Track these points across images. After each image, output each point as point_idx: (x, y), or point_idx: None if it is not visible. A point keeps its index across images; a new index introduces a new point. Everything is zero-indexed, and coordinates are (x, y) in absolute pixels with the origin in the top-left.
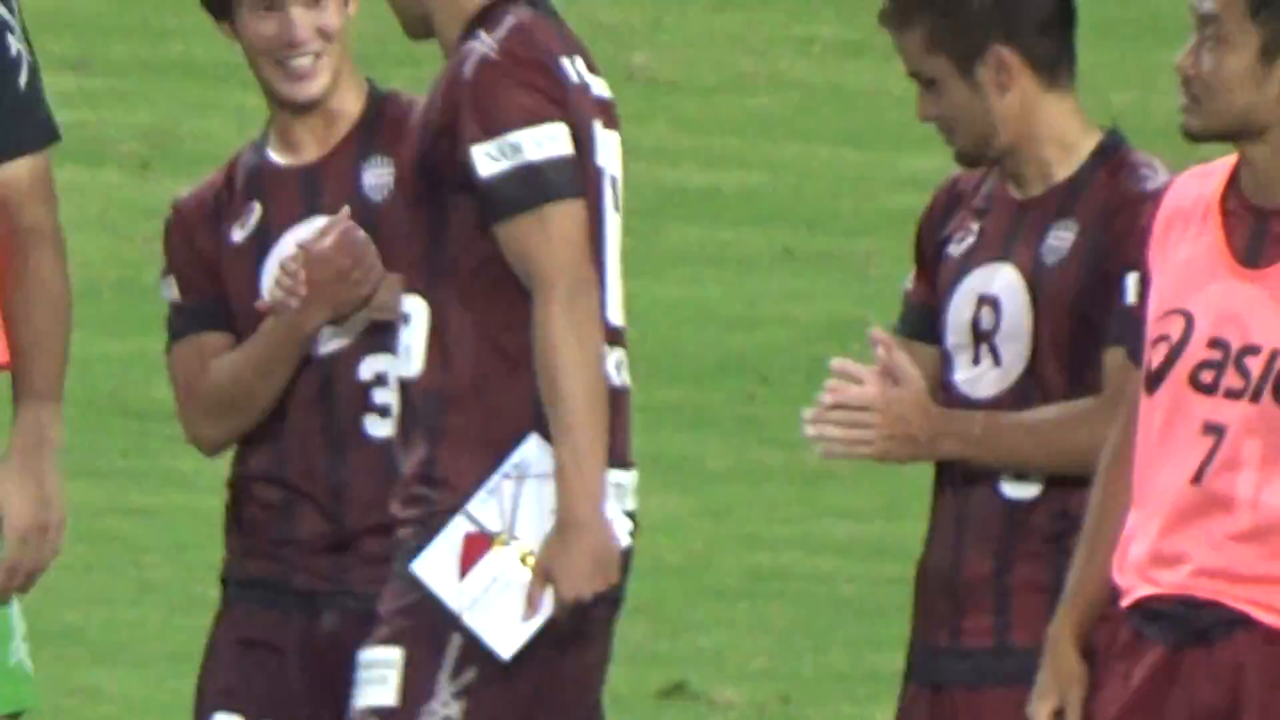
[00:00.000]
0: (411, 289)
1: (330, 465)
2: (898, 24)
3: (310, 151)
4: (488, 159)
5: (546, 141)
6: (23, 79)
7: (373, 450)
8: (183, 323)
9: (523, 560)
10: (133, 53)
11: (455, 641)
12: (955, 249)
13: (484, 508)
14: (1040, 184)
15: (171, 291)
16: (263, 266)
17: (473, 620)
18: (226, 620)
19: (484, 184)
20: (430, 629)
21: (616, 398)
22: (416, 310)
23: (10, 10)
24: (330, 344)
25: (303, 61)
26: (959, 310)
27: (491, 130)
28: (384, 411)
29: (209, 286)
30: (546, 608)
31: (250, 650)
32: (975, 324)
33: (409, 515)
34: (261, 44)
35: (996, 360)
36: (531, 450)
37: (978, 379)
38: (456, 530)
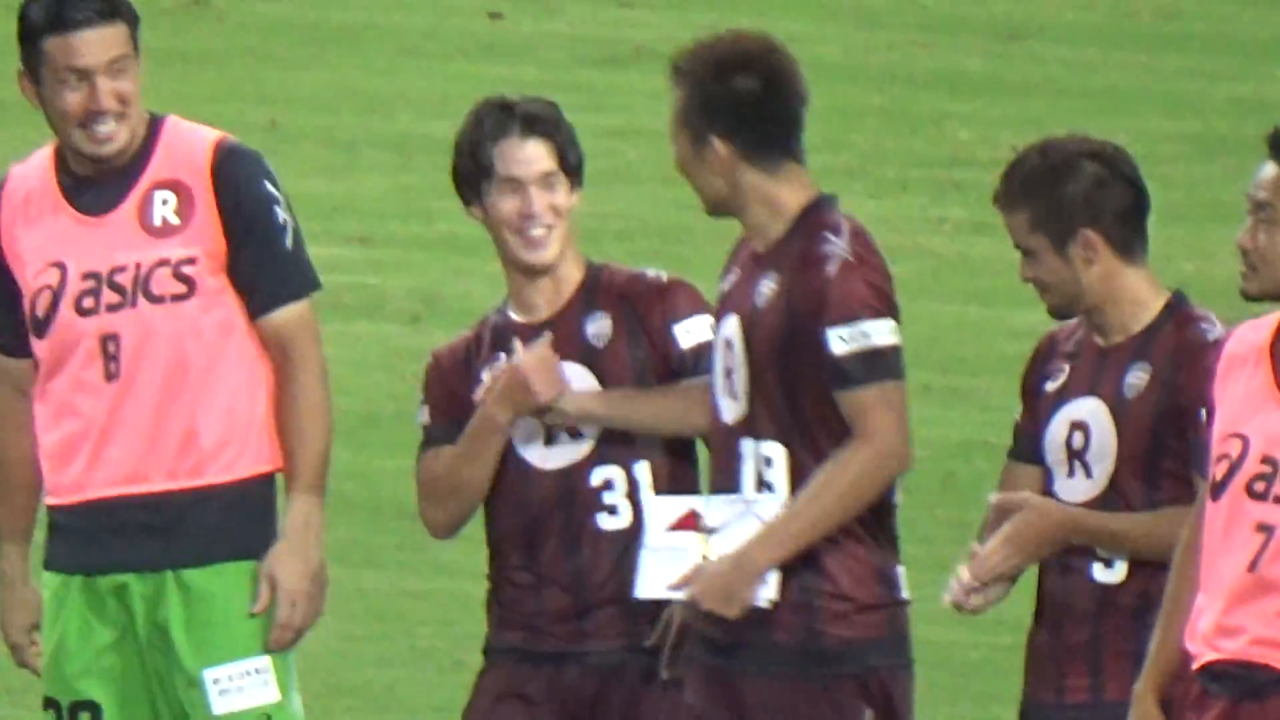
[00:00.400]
0: (767, 435)
1: (569, 553)
2: (1006, 207)
3: (543, 311)
4: (840, 341)
5: (886, 333)
6: (288, 241)
7: (603, 540)
8: (429, 439)
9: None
10: (407, 229)
11: None
12: (1051, 385)
13: (717, 510)
14: (1120, 334)
15: (424, 417)
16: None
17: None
18: (488, 678)
19: (834, 359)
20: None
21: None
22: (776, 452)
23: (276, 187)
24: (564, 459)
25: (538, 232)
26: (1055, 434)
27: (846, 319)
28: (612, 510)
29: (454, 416)
30: (680, 593)
31: (505, 702)
32: (1069, 444)
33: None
34: (505, 218)
35: (1088, 474)
36: (768, 506)
37: (1073, 489)
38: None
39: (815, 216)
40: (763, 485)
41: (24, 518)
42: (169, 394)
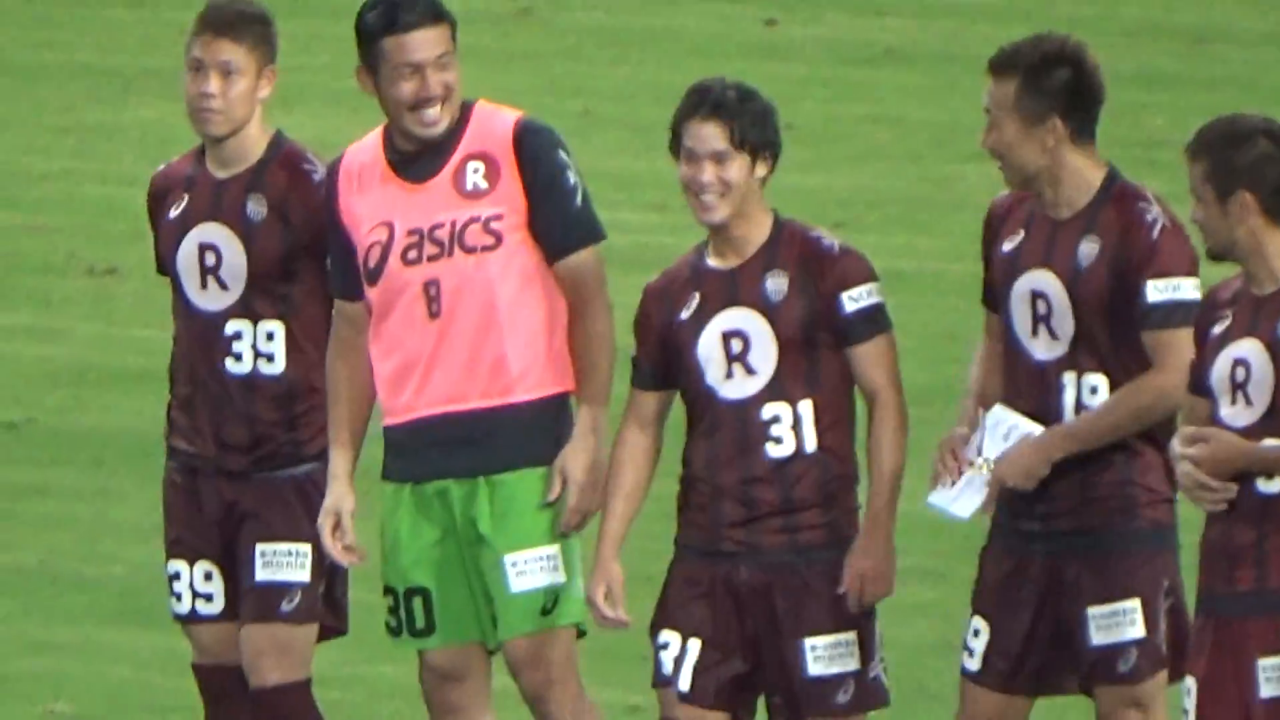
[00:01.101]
0: (1090, 369)
1: (744, 472)
2: (1190, 156)
3: (731, 261)
4: (1156, 291)
5: (1194, 289)
6: (578, 199)
7: (770, 464)
8: (636, 370)
9: (984, 469)
10: None
11: None
12: (1217, 329)
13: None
14: (1271, 284)
15: (635, 349)
16: (697, 340)
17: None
18: (677, 567)
19: (1150, 306)
20: None
21: None
22: (1100, 381)
23: (568, 154)
24: (739, 391)
25: (708, 198)
26: (1221, 370)
27: (1168, 273)
28: (778, 440)
29: (654, 344)
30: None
31: (691, 586)
32: (1233, 378)
33: None
34: (684, 184)
35: (1248, 402)
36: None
37: (1235, 415)
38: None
39: (1119, 186)
40: (1083, 410)
41: (354, 430)
42: (481, 329)
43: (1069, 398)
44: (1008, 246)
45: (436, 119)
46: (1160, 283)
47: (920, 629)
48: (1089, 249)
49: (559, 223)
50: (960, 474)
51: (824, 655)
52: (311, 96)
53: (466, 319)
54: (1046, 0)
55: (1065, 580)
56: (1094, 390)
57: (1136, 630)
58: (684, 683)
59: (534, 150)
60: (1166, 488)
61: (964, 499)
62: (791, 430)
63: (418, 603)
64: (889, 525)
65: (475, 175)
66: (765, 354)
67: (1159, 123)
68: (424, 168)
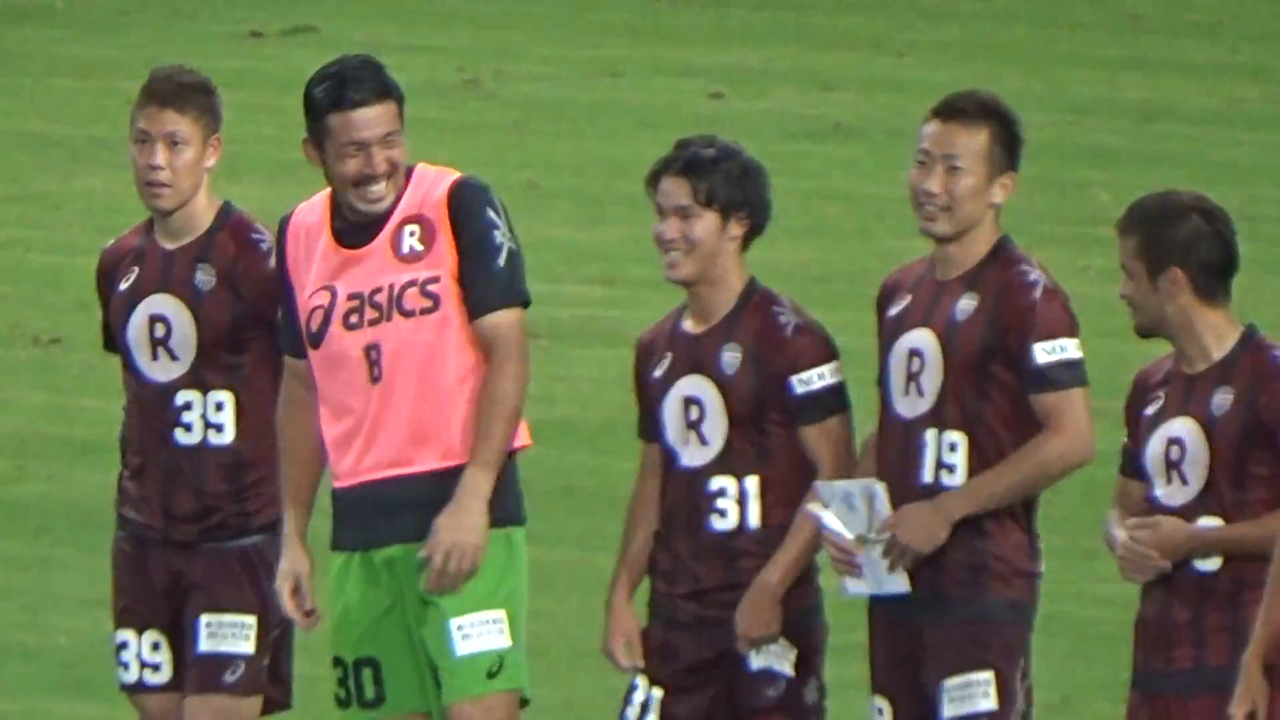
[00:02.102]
0: (953, 426)
1: (692, 543)
2: (1121, 231)
3: (696, 327)
4: (1043, 352)
5: (1076, 349)
6: (502, 259)
7: (714, 537)
8: (638, 423)
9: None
10: (643, 271)
11: None
12: (1150, 410)
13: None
14: (1203, 361)
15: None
16: (664, 400)
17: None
18: (650, 621)
19: (1037, 367)
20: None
21: None
22: (960, 439)
23: (498, 214)
24: (693, 459)
25: (672, 255)
26: (1155, 450)
27: (1051, 335)
28: (723, 513)
29: (640, 395)
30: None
31: (654, 655)
32: (1167, 457)
33: None
34: (655, 237)
35: (1184, 481)
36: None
37: (1171, 495)
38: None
39: (1006, 252)
40: (941, 468)
41: (307, 487)
42: (422, 392)
43: (929, 455)
44: (893, 311)
45: (380, 195)
46: (1047, 344)
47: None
48: (967, 305)
49: (479, 281)
50: (855, 561)
51: None
52: (258, 167)
53: (407, 382)
54: (994, 77)
55: (925, 647)
56: (953, 447)
57: (989, 703)
58: None
59: (463, 207)
60: (1029, 563)
61: (885, 579)
62: (736, 504)
63: (367, 674)
64: (776, 591)
65: (411, 238)
66: (716, 425)
67: (1105, 198)
68: (363, 234)
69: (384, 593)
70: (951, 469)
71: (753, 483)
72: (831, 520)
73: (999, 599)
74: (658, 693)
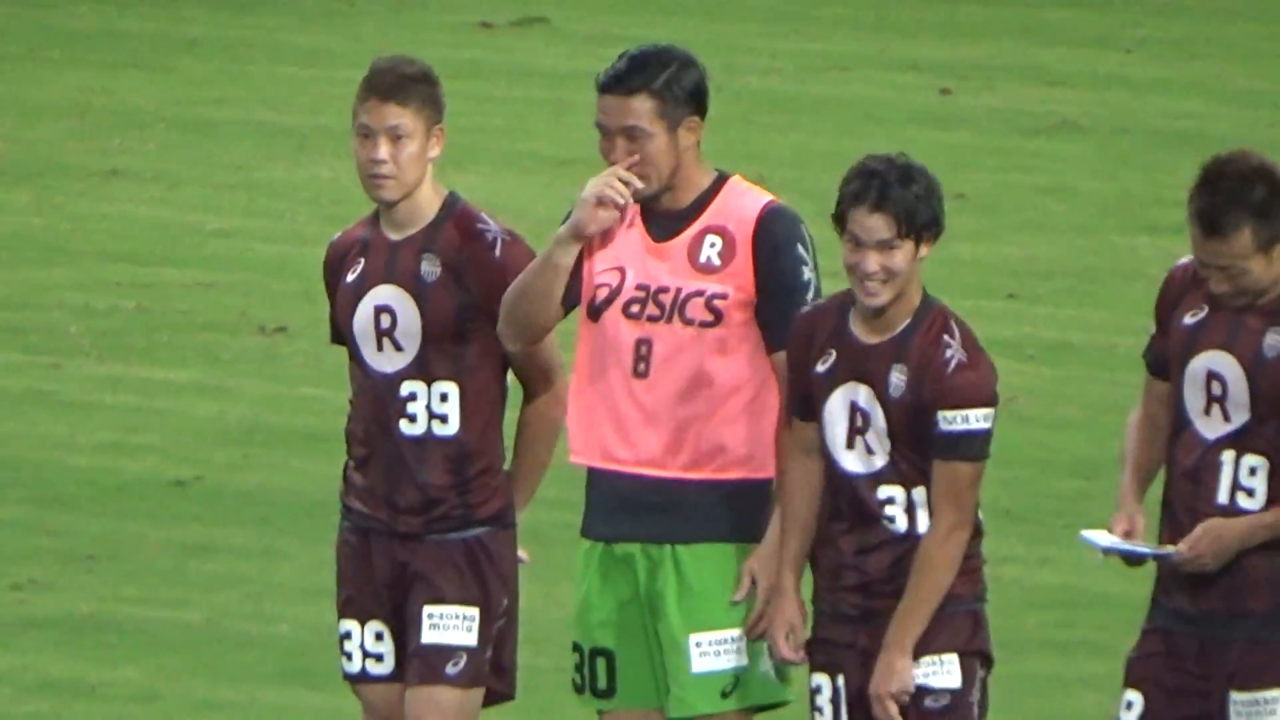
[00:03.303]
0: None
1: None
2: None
3: (873, 337)
4: None
5: None
6: (809, 296)
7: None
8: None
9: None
10: None
11: None
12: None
13: None
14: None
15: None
16: (827, 398)
17: None
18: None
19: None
20: None
21: None
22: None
23: (807, 250)
24: (859, 466)
25: (870, 285)
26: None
27: None
28: (891, 520)
29: (803, 387)
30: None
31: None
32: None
33: None
34: (848, 267)
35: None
36: None
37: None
38: None
39: None
40: (1238, 489)
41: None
42: (685, 399)
43: (1226, 477)
44: (1189, 320)
45: (632, 185)
46: None
47: (1086, 702)
48: (1275, 340)
49: (780, 316)
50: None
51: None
52: (486, 157)
53: (670, 387)
54: (1221, 74)
55: (1215, 662)
56: (1253, 471)
57: None
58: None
59: (776, 238)
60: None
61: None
62: (905, 513)
63: (601, 664)
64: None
65: (711, 250)
66: (880, 437)
67: None
68: (668, 227)
69: (622, 586)
70: (1251, 492)
71: (920, 494)
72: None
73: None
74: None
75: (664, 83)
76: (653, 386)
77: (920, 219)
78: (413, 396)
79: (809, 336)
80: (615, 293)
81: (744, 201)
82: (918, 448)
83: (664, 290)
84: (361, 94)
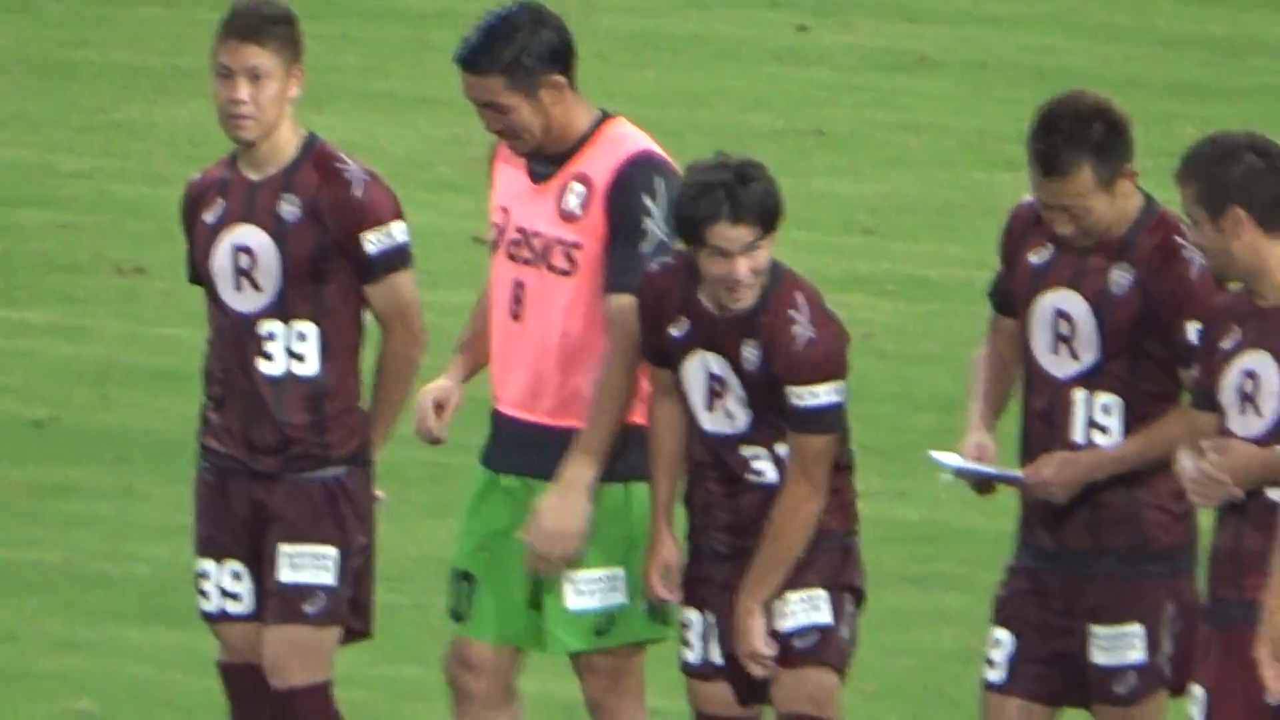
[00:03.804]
0: (1105, 388)
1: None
2: (1179, 182)
3: (724, 311)
4: (1196, 332)
5: None
6: (645, 247)
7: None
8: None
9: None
10: None
11: None
12: (1225, 344)
13: None
14: (1275, 297)
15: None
16: (682, 366)
17: None
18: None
19: (1192, 347)
20: None
21: None
22: (1115, 402)
23: (655, 199)
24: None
25: (740, 291)
26: (1230, 383)
27: (1197, 315)
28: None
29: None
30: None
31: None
32: (1241, 390)
33: None
34: (710, 278)
35: (1259, 413)
36: None
37: (1246, 425)
38: None
39: (1158, 216)
40: (1093, 426)
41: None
42: (546, 346)
43: (1080, 415)
44: (1035, 259)
45: (509, 144)
46: (1194, 325)
47: (944, 636)
48: (1121, 277)
49: (618, 260)
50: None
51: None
52: (341, 97)
53: (536, 332)
54: (1080, 9)
55: (1077, 598)
56: (1106, 409)
57: (1137, 654)
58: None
59: (626, 186)
60: (1179, 505)
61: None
62: (772, 465)
63: (464, 586)
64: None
65: (573, 198)
66: (739, 404)
67: (1190, 132)
68: (545, 171)
69: (501, 515)
70: (1106, 430)
71: (782, 447)
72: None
73: (1156, 549)
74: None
75: (512, 58)
76: (524, 330)
77: (773, 211)
78: (271, 336)
79: (660, 297)
80: (502, 232)
81: (614, 150)
82: (779, 413)
83: (536, 234)
84: (221, 35)
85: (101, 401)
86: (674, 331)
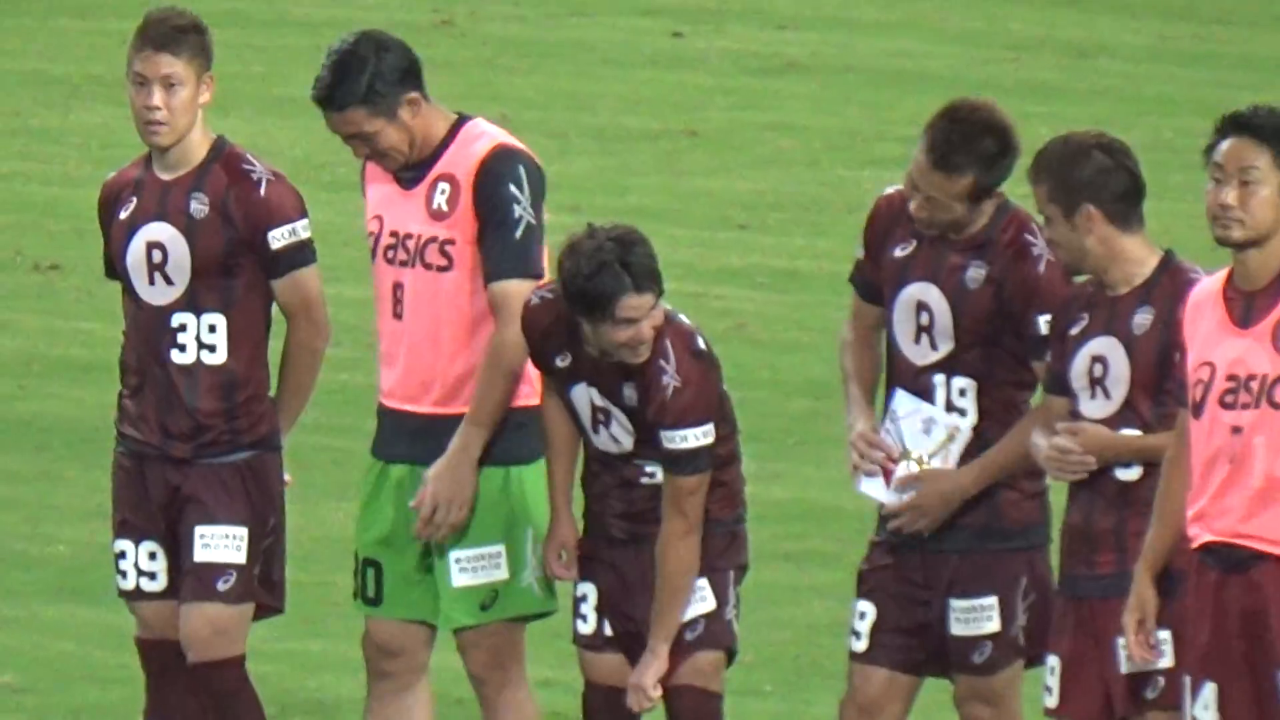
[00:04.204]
0: (961, 372)
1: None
2: (1032, 181)
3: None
4: (1046, 324)
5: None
6: (518, 233)
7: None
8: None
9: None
10: (607, 201)
11: None
12: (1074, 330)
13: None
14: (1125, 286)
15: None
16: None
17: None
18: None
19: (1040, 338)
20: None
21: None
22: (969, 385)
23: (520, 186)
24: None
25: (642, 349)
26: (1079, 367)
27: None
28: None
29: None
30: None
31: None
32: (1091, 374)
33: None
34: (610, 342)
35: (1107, 396)
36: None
37: (1094, 408)
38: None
39: (1010, 214)
40: (951, 408)
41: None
42: (430, 340)
43: (939, 397)
44: (899, 252)
45: (382, 164)
46: (1044, 318)
47: (816, 610)
48: (976, 272)
49: (495, 249)
50: (890, 463)
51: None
52: (246, 102)
53: (419, 328)
54: (938, 15)
55: (935, 573)
56: (962, 392)
57: (992, 625)
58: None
59: (490, 178)
60: (1032, 485)
61: (890, 490)
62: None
63: (371, 573)
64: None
65: (441, 196)
66: (623, 431)
67: (1043, 132)
68: (413, 176)
69: (397, 504)
70: (963, 411)
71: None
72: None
73: (1011, 525)
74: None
75: (367, 87)
76: (406, 328)
77: (659, 270)
78: (182, 327)
79: (543, 334)
80: (377, 239)
81: (474, 148)
82: (660, 441)
83: (410, 236)
84: (136, 44)
85: (20, 391)
86: (559, 362)
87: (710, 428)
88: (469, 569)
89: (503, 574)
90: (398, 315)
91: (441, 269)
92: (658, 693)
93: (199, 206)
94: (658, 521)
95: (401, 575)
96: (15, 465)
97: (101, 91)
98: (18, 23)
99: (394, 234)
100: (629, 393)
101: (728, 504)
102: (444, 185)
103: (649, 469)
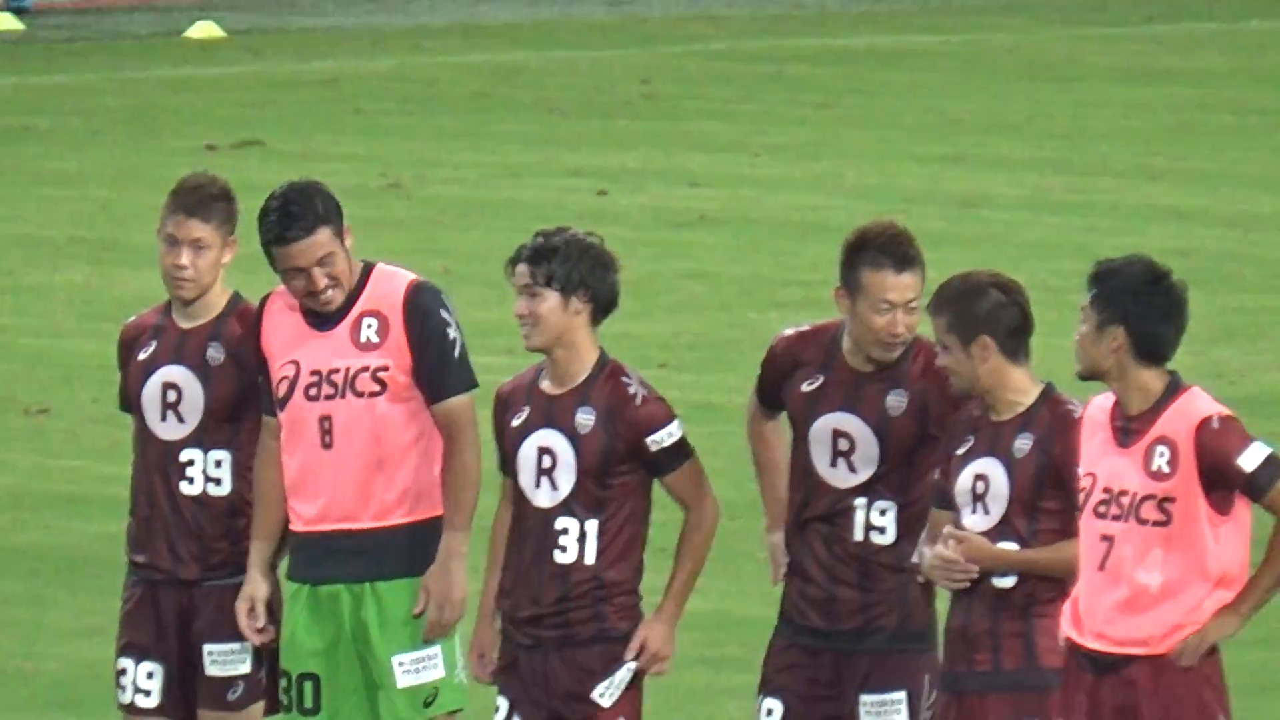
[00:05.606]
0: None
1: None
2: (933, 312)
3: (554, 389)
4: None
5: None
6: (456, 352)
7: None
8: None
9: None
10: None
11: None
12: (960, 450)
13: None
14: (1009, 412)
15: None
16: (518, 448)
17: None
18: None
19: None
20: None
21: None
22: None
23: (449, 313)
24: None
25: (524, 330)
26: (963, 484)
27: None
28: (564, 549)
29: (501, 446)
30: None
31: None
32: (974, 490)
33: None
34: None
35: (986, 511)
36: None
37: (974, 522)
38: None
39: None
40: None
41: (273, 524)
42: (366, 460)
43: (859, 519)
44: (806, 387)
45: (330, 300)
46: None
47: (732, 709)
48: (898, 399)
49: (436, 371)
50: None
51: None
52: (261, 265)
53: (352, 451)
54: (836, 172)
55: (847, 671)
56: (883, 513)
57: (900, 718)
58: None
59: (419, 309)
60: (927, 589)
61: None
62: (576, 543)
63: (308, 686)
64: (678, 610)
65: (369, 330)
66: (567, 471)
67: (933, 275)
68: (329, 320)
69: (328, 622)
70: (883, 530)
71: (592, 525)
72: None
73: (915, 628)
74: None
75: (324, 210)
76: (338, 455)
77: (561, 274)
78: (191, 461)
79: (506, 404)
80: (294, 381)
81: (391, 285)
82: (600, 478)
83: (336, 370)
84: (170, 207)
85: (14, 524)
86: (514, 421)
87: (679, 421)
88: (411, 670)
89: (441, 672)
90: (327, 445)
91: (374, 394)
92: (670, 649)
93: (215, 354)
94: (560, 627)
95: (339, 685)
96: (10, 590)
97: (84, 252)
98: (9, 190)
99: (315, 372)
100: (582, 418)
101: (628, 616)
102: (370, 320)
103: (564, 541)
